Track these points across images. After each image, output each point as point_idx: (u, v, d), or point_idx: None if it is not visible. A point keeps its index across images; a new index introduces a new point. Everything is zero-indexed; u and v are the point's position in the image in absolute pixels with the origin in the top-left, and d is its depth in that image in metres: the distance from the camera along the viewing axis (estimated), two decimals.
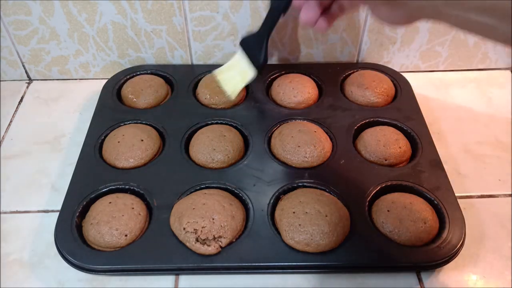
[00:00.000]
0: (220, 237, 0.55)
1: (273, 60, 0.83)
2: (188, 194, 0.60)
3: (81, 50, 0.81)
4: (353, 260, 0.54)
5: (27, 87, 0.84)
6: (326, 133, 0.68)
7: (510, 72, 0.86)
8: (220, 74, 0.71)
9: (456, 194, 0.60)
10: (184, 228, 0.55)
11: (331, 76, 0.78)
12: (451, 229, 0.56)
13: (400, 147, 0.65)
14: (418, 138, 0.67)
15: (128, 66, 0.83)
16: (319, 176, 0.62)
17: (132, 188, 0.61)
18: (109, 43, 0.80)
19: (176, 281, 0.56)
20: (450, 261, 0.55)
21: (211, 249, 0.54)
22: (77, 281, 0.56)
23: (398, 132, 0.68)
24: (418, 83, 0.80)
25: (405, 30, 0.79)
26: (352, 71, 0.79)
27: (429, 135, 0.68)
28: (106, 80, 0.79)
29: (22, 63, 0.83)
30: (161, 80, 0.78)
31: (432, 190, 0.60)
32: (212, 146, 0.65)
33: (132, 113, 0.72)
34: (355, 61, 0.84)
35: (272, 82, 0.78)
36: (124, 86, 0.77)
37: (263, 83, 0.77)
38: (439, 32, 0.80)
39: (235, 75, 0.70)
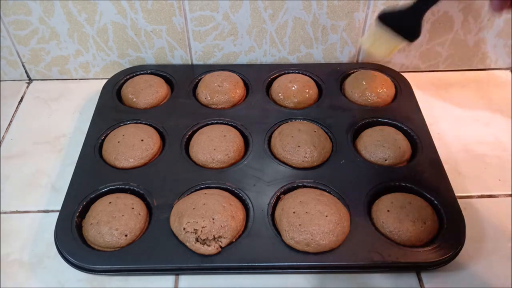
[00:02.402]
0: (220, 237, 0.55)
1: (273, 60, 0.83)
2: (188, 194, 0.60)
3: (81, 50, 0.81)
4: (353, 260, 0.54)
5: (27, 87, 0.84)
6: (326, 133, 0.68)
7: (510, 72, 0.86)
8: (367, 43, 0.71)
9: (456, 194, 0.60)
10: (184, 228, 0.55)
11: (331, 76, 0.78)
12: (451, 229, 0.56)
13: (400, 147, 0.65)
14: (418, 138, 0.67)
15: (128, 66, 0.83)
16: (319, 176, 0.62)
17: (132, 188, 0.61)
18: (109, 43, 0.80)
19: (176, 281, 0.56)
20: (450, 261, 0.55)
21: (211, 249, 0.54)
22: (77, 281, 0.56)
23: (398, 132, 0.68)
24: (418, 83, 0.80)
25: None
26: (352, 71, 0.79)
27: (429, 135, 0.68)
28: (106, 80, 0.79)
29: (22, 63, 0.83)
30: (161, 80, 0.78)
31: (432, 190, 0.60)
32: (212, 146, 0.65)
33: (132, 113, 0.72)
34: (355, 61, 0.84)
35: (272, 82, 0.78)
36: (124, 86, 0.77)
37: (263, 83, 0.77)
38: (439, 32, 0.80)
39: (382, 42, 0.67)
